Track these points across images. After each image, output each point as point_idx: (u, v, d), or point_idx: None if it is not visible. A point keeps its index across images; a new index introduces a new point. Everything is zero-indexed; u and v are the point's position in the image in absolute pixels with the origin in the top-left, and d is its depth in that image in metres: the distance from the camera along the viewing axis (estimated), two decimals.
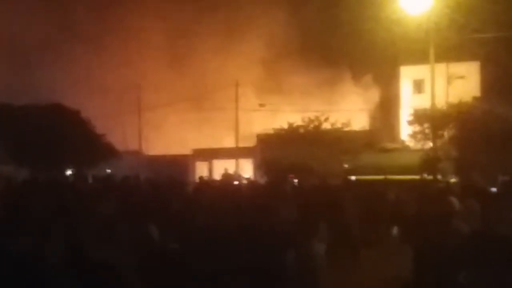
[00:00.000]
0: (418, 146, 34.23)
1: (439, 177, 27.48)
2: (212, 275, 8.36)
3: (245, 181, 29.55)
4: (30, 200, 13.73)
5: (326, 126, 39.25)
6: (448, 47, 38.46)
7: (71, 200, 15.52)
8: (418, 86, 51.15)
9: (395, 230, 15.09)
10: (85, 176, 25.61)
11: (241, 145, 50.67)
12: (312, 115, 39.95)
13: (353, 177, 29.93)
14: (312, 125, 39.42)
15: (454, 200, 9.98)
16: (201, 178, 26.57)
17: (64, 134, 32.55)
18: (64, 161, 33.61)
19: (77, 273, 7.48)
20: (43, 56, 50.80)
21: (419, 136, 34.01)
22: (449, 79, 47.93)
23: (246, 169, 43.13)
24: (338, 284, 11.86)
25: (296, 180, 24.25)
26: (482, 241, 7.85)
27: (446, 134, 32.50)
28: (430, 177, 27.69)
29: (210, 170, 44.10)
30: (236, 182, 28.75)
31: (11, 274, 7.11)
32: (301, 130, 39.39)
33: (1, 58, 48.00)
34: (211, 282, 8.34)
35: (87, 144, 33.93)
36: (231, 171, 37.24)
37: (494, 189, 16.27)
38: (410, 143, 36.30)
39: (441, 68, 41.99)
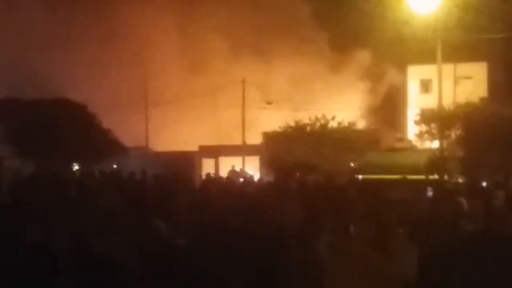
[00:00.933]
0: (425, 146, 34.17)
1: (445, 177, 27.47)
2: (217, 271, 8.38)
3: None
4: (36, 194, 13.81)
5: (332, 124, 39.21)
6: (456, 47, 38.40)
7: (76, 194, 15.60)
8: (425, 86, 51.07)
9: (402, 230, 15.09)
10: (91, 171, 25.71)
11: (247, 142, 50.68)
12: (319, 113, 39.92)
13: (359, 176, 29.96)
14: (318, 124, 39.39)
15: (463, 201, 10.00)
16: (208, 175, 26.63)
17: (71, 129, 32.61)
18: (70, 156, 33.68)
19: (80, 265, 7.54)
20: (49, 51, 50.81)
21: (425, 136, 33.93)
22: (456, 80, 47.90)
23: (253, 167, 43.11)
24: (342, 282, 11.86)
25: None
26: (484, 242, 7.86)
27: (453, 134, 32.45)
28: (437, 177, 27.68)
29: (217, 167, 44.10)
30: (242, 179, 28.80)
31: (19, 264, 7.18)
32: (308, 128, 39.37)
33: (8, 52, 48.12)
34: (215, 278, 8.36)
35: (94, 139, 33.98)
36: (237, 168, 37.30)
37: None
38: (417, 142, 36.25)
39: (448, 68, 41.92)
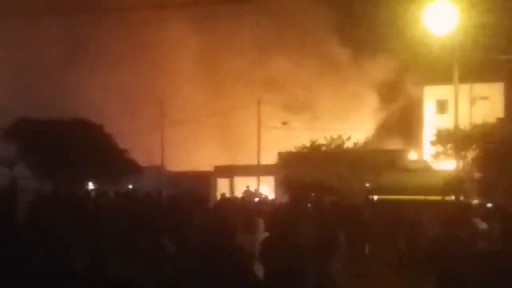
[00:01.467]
0: (440, 166, 34.02)
1: (462, 198, 27.30)
2: None
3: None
4: (53, 213, 13.88)
5: (348, 144, 39.14)
6: (472, 67, 38.33)
7: (91, 214, 15.65)
8: (442, 106, 50.90)
9: (418, 251, 15.03)
10: (106, 191, 25.80)
11: (262, 162, 50.60)
12: (334, 133, 39.87)
13: (375, 197, 29.81)
14: (334, 144, 39.32)
15: (478, 222, 9.95)
16: (223, 195, 26.65)
17: (87, 149, 32.77)
18: (87, 176, 33.83)
19: (97, 284, 7.56)
20: (67, 72, 51.19)
21: (441, 156, 33.80)
22: (473, 100, 47.73)
23: (268, 187, 43.06)
24: None
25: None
26: (500, 263, 7.82)
27: (469, 155, 32.29)
28: (453, 198, 27.50)
29: (232, 187, 44.08)
30: (257, 199, 28.81)
31: (37, 283, 7.21)
32: (323, 149, 39.30)
33: (26, 73, 48.55)
34: None
35: (110, 159, 34.13)
36: (252, 188, 37.27)
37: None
38: (433, 163, 36.10)
39: (464, 89, 41.81)
